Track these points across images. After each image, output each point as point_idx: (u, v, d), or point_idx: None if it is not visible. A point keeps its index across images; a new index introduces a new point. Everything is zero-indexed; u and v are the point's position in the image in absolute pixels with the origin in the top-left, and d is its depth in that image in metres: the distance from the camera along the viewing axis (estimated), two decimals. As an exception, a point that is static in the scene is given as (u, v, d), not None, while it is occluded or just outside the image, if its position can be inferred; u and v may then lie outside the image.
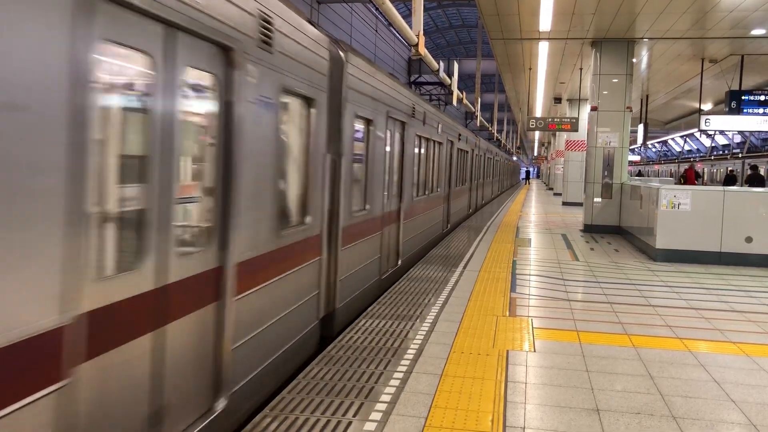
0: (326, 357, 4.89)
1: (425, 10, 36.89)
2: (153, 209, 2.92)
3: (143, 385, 2.91)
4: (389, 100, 7.72)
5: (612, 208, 14.80)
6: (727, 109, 16.51)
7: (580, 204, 19.40)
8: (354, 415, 3.80)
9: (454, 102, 17.23)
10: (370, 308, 6.51)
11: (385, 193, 7.86)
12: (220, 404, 3.60)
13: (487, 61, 30.99)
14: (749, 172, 21.68)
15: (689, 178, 19.97)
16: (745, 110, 16.28)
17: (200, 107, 3.46)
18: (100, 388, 2.58)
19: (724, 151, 49.47)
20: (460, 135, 15.17)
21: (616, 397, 4.28)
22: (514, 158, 71.92)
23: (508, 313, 6.51)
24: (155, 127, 2.93)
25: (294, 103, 4.81)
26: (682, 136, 48.25)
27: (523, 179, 74.89)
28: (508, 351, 5.21)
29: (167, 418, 3.12)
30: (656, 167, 52.99)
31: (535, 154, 78.28)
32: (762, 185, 19.72)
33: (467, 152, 17.10)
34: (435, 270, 8.95)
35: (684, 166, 38.16)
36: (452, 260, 9.89)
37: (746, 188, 14.35)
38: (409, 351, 5.11)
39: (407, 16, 27.68)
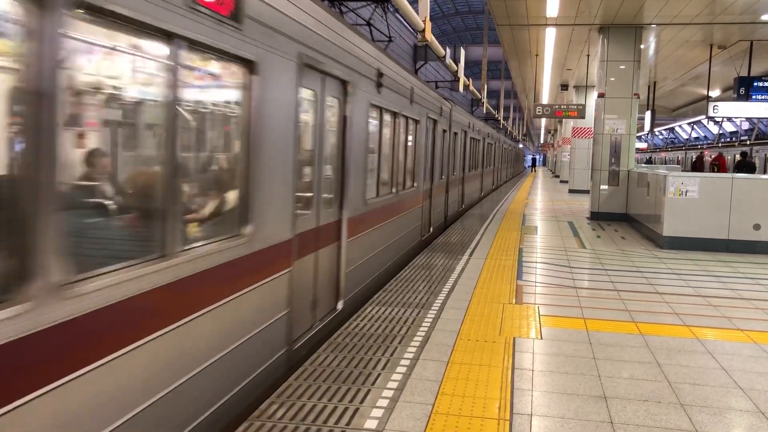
0: (333, 344, 4.89)
1: (431, -4, 36.61)
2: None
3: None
4: None
5: (619, 196, 14.74)
6: (735, 95, 16.38)
7: (586, 191, 19.33)
8: (361, 402, 3.80)
9: (461, 89, 17.09)
10: (376, 296, 6.51)
11: None
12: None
13: (493, 48, 30.77)
14: (738, 158, 21.56)
15: (722, 165, 19.73)
16: (753, 96, 16.14)
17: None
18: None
19: (731, 138, 49.12)
20: (413, 93, 8.81)
21: (624, 384, 4.27)
22: (520, 145, 69.17)
23: (514, 301, 6.50)
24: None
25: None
26: (689, 123, 47.92)
27: (529, 167, 74.42)
28: (514, 338, 5.21)
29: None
30: (663, 155, 52.70)
31: (542, 141, 77.97)
32: (752, 172, 19.52)
33: (420, 125, 9.68)
34: (441, 258, 8.94)
35: (691, 154, 37.93)
36: (456, 251, 9.87)
37: (755, 175, 14.25)
38: (416, 338, 5.11)
39: (413, 2, 27.36)
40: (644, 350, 5.03)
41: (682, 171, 20.02)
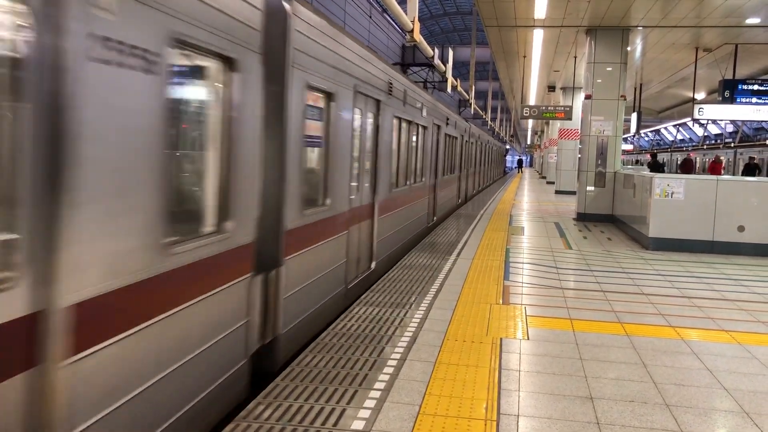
0: (320, 344, 4.87)
1: (419, -4, 36.59)
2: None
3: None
4: None
5: (605, 197, 14.83)
6: (720, 98, 16.54)
7: (573, 192, 19.43)
8: (348, 403, 3.79)
9: (449, 89, 17.09)
10: (363, 295, 6.50)
11: None
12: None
13: (481, 49, 30.85)
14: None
15: (716, 169, 20.74)
16: (738, 99, 16.32)
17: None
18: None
19: (716, 141, 49.61)
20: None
21: (610, 384, 4.29)
22: (507, 146, 66.74)
23: (501, 301, 6.51)
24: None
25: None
26: (675, 125, 48.35)
27: (516, 167, 74.64)
28: (501, 339, 5.21)
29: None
30: (648, 156, 53.16)
31: (529, 142, 78.32)
32: (752, 174, 19.95)
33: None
34: (428, 258, 8.94)
35: (677, 156, 38.29)
36: (442, 251, 9.89)
37: (739, 178, 14.42)
38: (403, 338, 5.10)
39: (402, 2, 27.42)
40: (630, 351, 5.05)
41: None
